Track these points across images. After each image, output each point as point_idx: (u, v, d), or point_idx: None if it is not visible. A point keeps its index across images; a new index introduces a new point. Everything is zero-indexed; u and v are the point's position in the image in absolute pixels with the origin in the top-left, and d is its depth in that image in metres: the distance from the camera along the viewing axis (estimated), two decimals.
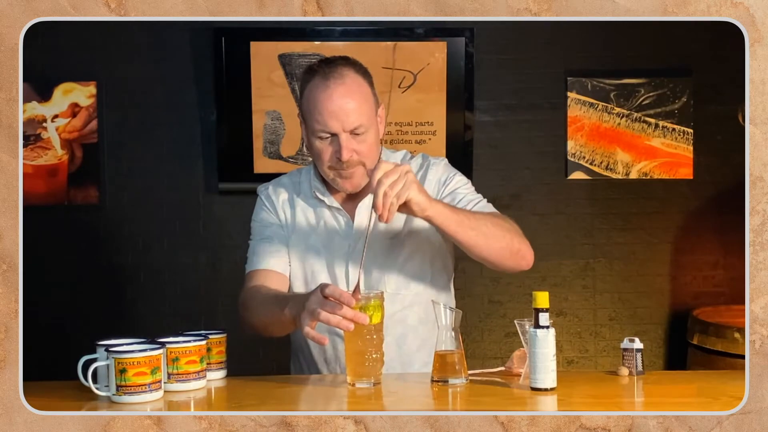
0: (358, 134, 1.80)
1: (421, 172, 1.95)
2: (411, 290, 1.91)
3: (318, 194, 1.94)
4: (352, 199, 1.92)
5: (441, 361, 1.68)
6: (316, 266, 1.92)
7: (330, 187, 1.94)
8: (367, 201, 1.90)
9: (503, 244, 1.77)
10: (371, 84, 1.86)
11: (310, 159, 1.96)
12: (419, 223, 1.89)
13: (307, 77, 1.84)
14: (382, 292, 1.69)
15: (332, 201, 1.93)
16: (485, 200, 1.92)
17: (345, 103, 1.78)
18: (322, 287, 1.56)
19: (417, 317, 1.92)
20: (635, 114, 3.47)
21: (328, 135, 1.80)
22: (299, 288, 1.93)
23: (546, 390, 1.58)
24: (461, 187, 1.92)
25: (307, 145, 1.89)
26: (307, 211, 1.95)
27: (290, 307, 1.65)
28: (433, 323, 1.71)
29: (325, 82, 1.79)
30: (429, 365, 1.71)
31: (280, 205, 1.97)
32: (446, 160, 2.00)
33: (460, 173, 1.97)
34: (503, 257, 1.79)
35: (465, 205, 1.86)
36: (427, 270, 1.93)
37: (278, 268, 1.92)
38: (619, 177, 3.48)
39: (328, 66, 1.82)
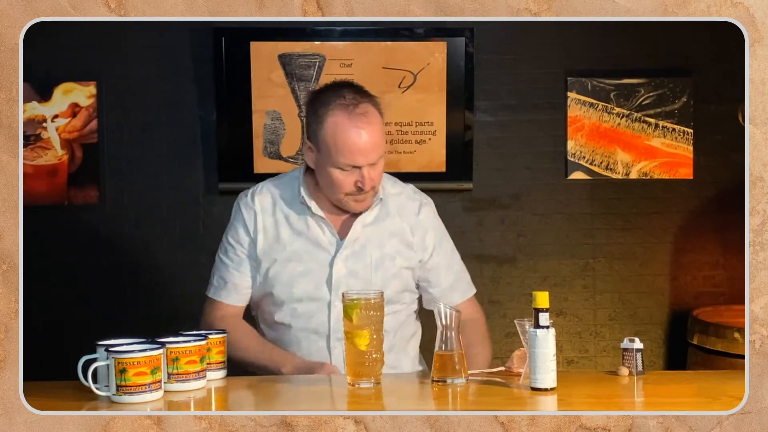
0: (375, 163, 1.90)
1: (414, 204, 2.05)
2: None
3: (306, 200, 1.98)
4: (337, 210, 1.99)
5: (441, 361, 1.68)
6: (298, 270, 1.96)
7: (317, 197, 1.99)
8: (362, 218, 1.98)
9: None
10: (381, 110, 1.94)
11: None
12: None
13: (325, 109, 1.89)
14: (381, 293, 1.70)
15: (317, 209, 1.98)
16: (462, 268, 2.14)
17: (371, 140, 1.88)
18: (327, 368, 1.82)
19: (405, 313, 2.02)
20: (635, 114, 3.46)
21: (351, 167, 1.88)
22: (281, 292, 1.97)
23: (546, 390, 1.58)
24: (442, 258, 2.07)
25: (320, 173, 1.94)
26: (290, 217, 2.00)
27: (287, 371, 1.86)
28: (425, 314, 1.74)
29: (352, 121, 1.87)
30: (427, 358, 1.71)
31: (260, 212, 2.01)
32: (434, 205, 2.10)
33: (444, 229, 2.09)
34: None
35: (445, 289, 2.07)
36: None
37: (239, 302, 2.05)
38: (619, 177, 3.48)
39: (345, 99, 1.88)
